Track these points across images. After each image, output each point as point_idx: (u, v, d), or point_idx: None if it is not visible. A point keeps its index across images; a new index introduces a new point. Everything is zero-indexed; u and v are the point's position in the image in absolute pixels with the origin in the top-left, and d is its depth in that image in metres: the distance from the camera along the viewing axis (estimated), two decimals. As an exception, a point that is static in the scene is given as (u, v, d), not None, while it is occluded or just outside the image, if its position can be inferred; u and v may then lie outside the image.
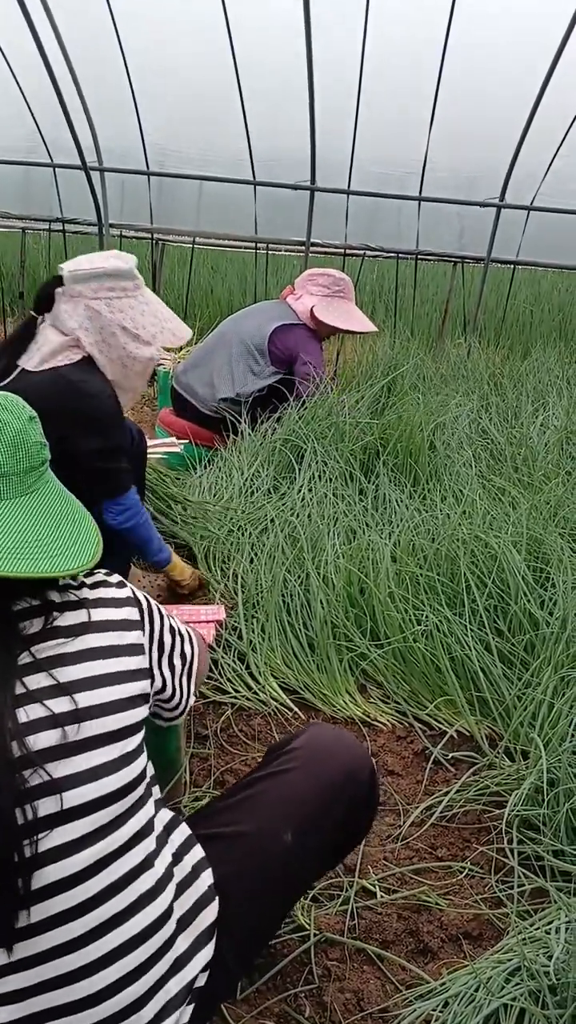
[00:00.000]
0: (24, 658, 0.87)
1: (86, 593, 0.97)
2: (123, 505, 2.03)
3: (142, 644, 1.00)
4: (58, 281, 1.96)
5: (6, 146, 5.17)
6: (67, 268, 1.95)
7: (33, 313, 2.00)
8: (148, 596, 1.08)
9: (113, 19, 4.26)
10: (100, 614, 0.95)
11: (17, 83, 4.76)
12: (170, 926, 0.95)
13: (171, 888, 0.96)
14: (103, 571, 1.03)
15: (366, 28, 4.02)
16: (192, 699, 1.18)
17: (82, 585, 0.98)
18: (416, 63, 4.30)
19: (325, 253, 5.24)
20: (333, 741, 1.21)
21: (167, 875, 0.96)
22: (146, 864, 0.93)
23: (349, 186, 4.81)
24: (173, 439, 3.32)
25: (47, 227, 5.66)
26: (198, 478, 3.00)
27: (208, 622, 2.11)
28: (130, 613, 1.00)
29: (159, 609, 1.09)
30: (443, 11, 3.94)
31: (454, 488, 2.76)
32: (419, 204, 4.87)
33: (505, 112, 4.44)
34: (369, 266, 5.89)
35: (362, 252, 5.18)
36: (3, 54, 4.59)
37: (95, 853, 0.86)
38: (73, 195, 5.33)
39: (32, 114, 4.94)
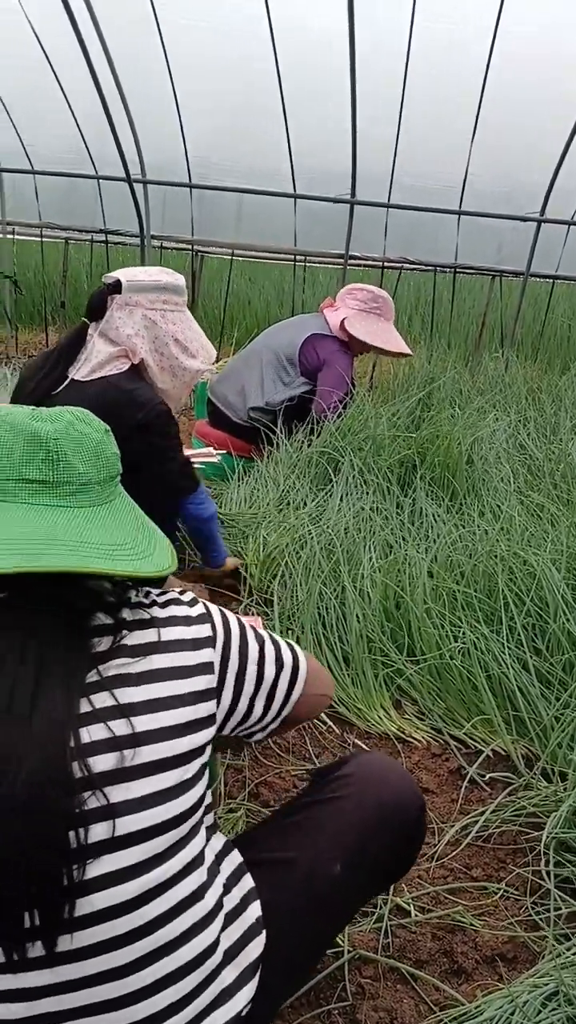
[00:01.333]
0: (91, 676, 0.86)
1: (157, 612, 0.95)
2: (201, 496, 2.14)
3: (212, 663, 0.97)
4: (111, 290, 2.01)
5: (53, 157, 5.26)
6: (124, 277, 2.01)
7: (85, 320, 2.05)
8: (229, 613, 1.05)
9: (159, 31, 4.32)
10: (170, 633, 0.94)
11: (65, 96, 4.84)
12: (217, 957, 0.93)
13: (220, 919, 0.95)
14: (176, 590, 1.03)
15: (410, 43, 4.04)
16: (284, 712, 1.09)
17: (153, 604, 0.97)
18: (458, 77, 4.30)
19: (363, 266, 5.26)
20: (384, 771, 1.19)
21: (217, 906, 0.94)
22: (197, 895, 0.90)
23: (389, 199, 4.82)
24: (210, 449, 3.34)
25: (89, 238, 5.75)
26: (234, 489, 3.02)
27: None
28: (202, 631, 0.97)
29: (242, 626, 1.05)
30: (487, 28, 3.95)
31: (492, 504, 2.74)
32: (459, 218, 4.87)
33: (547, 126, 4.42)
34: (406, 279, 5.89)
35: (400, 265, 5.19)
36: (52, 66, 4.67)
37: (146, 883, 0.84)
38: (115, 206, 5.41)
39: (78, 126, 5.02)
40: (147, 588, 1.02)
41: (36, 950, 0.80)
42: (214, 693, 0.97)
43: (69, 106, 4.88)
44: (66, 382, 2.00)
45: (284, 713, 1.10)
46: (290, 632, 2.21)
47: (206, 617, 1.00)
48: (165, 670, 0.91)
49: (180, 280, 2.10)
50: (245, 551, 2.58)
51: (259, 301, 7.39)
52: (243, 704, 1.03)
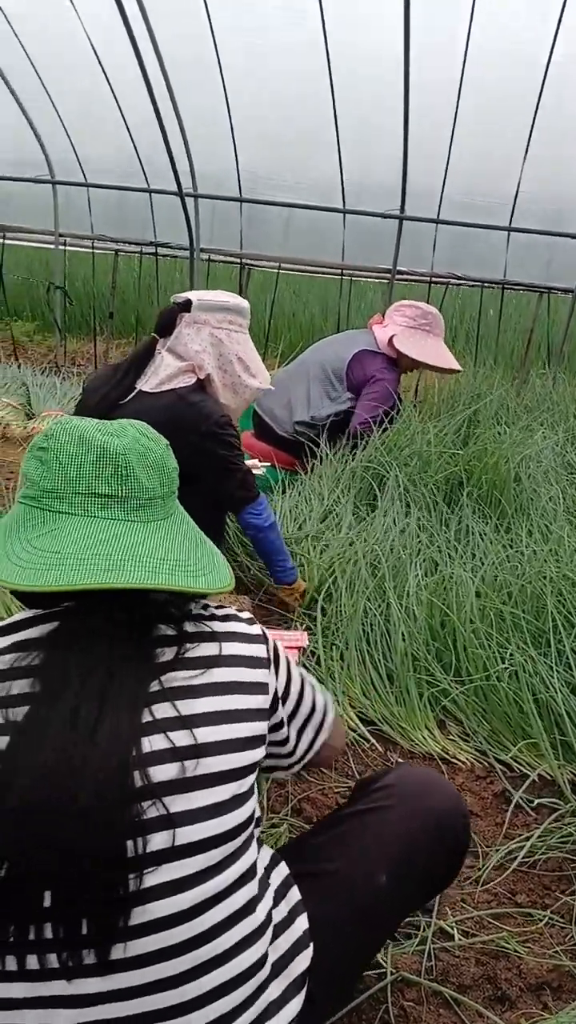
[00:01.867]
0: (154, 686, 0.87)
1: (217, 626, 0.97)
2: (261, 506, 2.19)
3: (267, 684, 0.98)
4: (180, 308, 2.11)
5: (106, 169, 5.35)
6: (194, 297, 2.12)
7: (155, 335, 2.15)
8: (276, 640, 1.07)
9: (215, 44, 4.36)
10: (230, 648, 0.95)
11: (119, 109, 4.91)
12: (265, 970, 0.94)
13: (269, 932, 0.95)
14: (234, 606, 1.04)
15: (465, 59, 4.05)
16: (309, 755, 1.13)
17: (213, 617, 0.98)
18: (512, 94, 4.29)
19: (410, 280, 5.26)
20: (427, 781, 1.19)
21: (267, 919, 0.95)
22: (249, 908, 0.91)
23: (438, 215, 4.82)
24: (255, 462, 3.36)
25: (139, 250, 5.83)
26: (278, 502, 3.03)
27: (290, 648, 2.12)
28: (259, 650, 0.99)
29: (287, 658, 1.07)
30: (543, 44, 3.94)
31: (540, 524, 2.71)
32: (508, 234, 4.85)
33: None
34: (452, 294, 5.87)
35: (447, 280, 5.18)
36: (108, 80, 4.74)
37: (201, 894, 0.85)
38: (165, 218, 5.48)
39: (132, 139, 5.09)
40: (204, 601, 1.03)
41: (90, 957, 0.81)
42: (267, 714, 0.98)
43: (123, 119, 4.97)
44: (134, 393, 2.08)
45: (310, 755, 1.13)
46: (334, 647, 2.21)
47: (262, 639, 1.01)
48: (224, 684, 0.92)
49: (245, 304, 2.20)
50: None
51: (303, 315, 7.42)
52: (284, 732, 1.06)
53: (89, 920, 0.80)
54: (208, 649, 0.93)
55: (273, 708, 1.01)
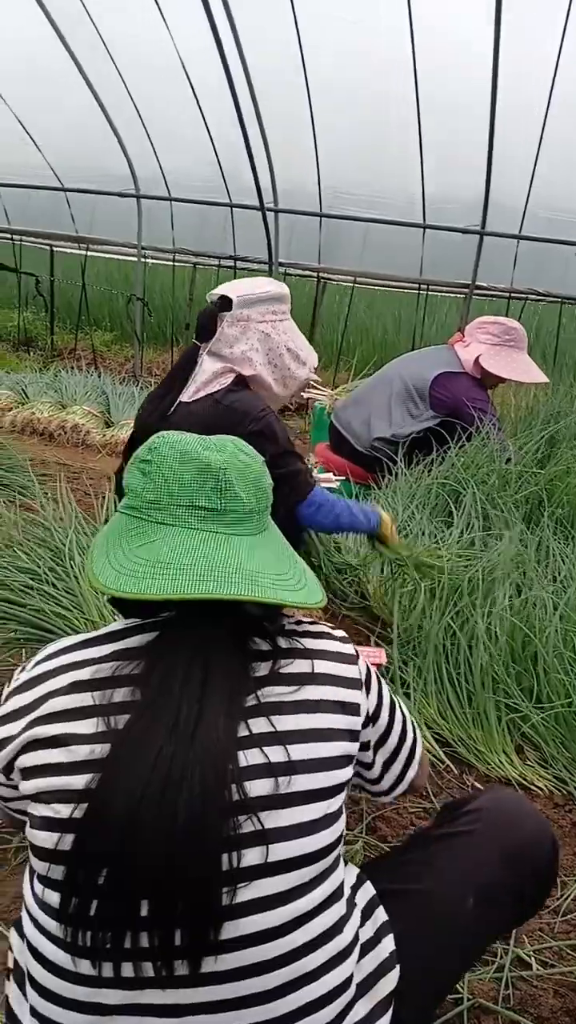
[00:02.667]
0: (250, 700, 0.88)
1: (309, 643, 0.97)
2: (316, 501, 2.03)
3: (359, 704, 0.97)
4: (218, 308, 1.98)
5: (189, 185, 5.47)
6: (233, 294, 1.98)
7: (196, 342, 2.04)
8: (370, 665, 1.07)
9: (303, 63, 4.42)
10: (322, 666, 0.95)
11: (206, 125, 5.02)
12: (351, 990, 0.93)
13: (356, 952, 0.95)
14: (328, 625, 1.05)
15: (555, 74, 4.00)
16: (399, 788, 1.12)
17: (306, 634, 0.99)
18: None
19: (488, 296, 5.21)
20: (517, 808, 1.17)
21: (354, 939, 0.94)
22: (337, 927, 0.91)
23: (520, 230, 4.77)
24: (330, 475, 3.37)
25: (217, 263, 5.93)
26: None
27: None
28: (351, 671, 0.98)
29: (381, 682, 1.07)
30: None
31: (624, 547, 2.65)
32: (592, 251, 4.77)
33: None
34: (530, 310, 5.80)
35: (526, 296, 5.12)
36: (196, 96, 4.84)
37: (291, 912, 0.85)
38: (244, 232, 5.57)
39: (216, 155, 5.20)
40: (298, 616, 1.04)
41: (183, 968, 0.82)
42: (356, 735, 0.97)
43: (209, 134, 5.07)
44: (175, 406, 2.00)
45: (399, 789, 1.12)
46: (412, 664, 2.19)
47: (355, 659, 1.01)
48: (317, 702, 0.93)
49: (284, 288, 2.07)
50: (365, 578, 2.58)
51: (376, 328, 7.42)
52: (369, 756, 1.05)
53: (183, 931, 0.81)
54: (301, 666, 0.94)
55: (364, 728, 1.00)
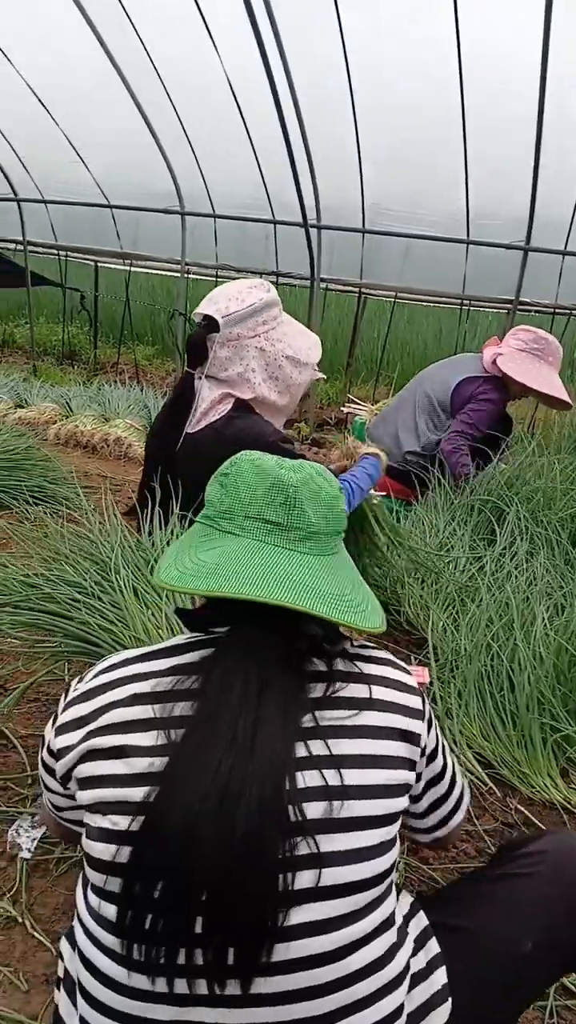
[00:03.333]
0: (307, 721, 0.88)
1: (370, 668, 0.97)
2: None
3: (419, 735, 0.96)
4: (205, 330, 1.90)
5: (234, 202, 5.53)
6: (217, 314, 1.88)
7: (188, 370, 1.95)
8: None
9: (349, 80, 4.44)
10: (381, 692, 0.95)
11: (251, 142, 5.07)
12: (401, 1021, 0.91)
13: (407, 982, 0.93)
14: (387, 652, 1.04)
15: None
16: (440, 831, 1.11)
17: (367, 659, 0.98)
18: None
19: (532, 311, 5.17)
20: None
21: (405, 969, 0.93)
22: (388, 956, 0.89)
23: (566, 247, 4.72)
24: (372, 492, 3.35)
25: (258, 278, 5.97)
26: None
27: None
28: (412, 701, 0.97)
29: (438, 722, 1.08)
30: None
31: None
32: None
33: None
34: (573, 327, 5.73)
35: (571, 311, 5.06)
36: (242, 113, 4.90)
37: (343, 937, 0.84)
38: (287, 248, 5.61)
39: (261, 172, 5.24)
40: (361, 641, 1.03)
41: (233, 987, 0.81)
42: (414, 765, 0.96)
43: (254, 152, 5.11)
44: (182, 439, 1.94)
45: (440, 832, 1.11)
46: (451, 683, 2.16)
47: (417, 691, 1.00)
48: (376, 728, 0.92)
49: (272, 291, 1.95)
50: (403, 595, 2.56)
51: (417, 343, 7.40)
52: (419, 788, 1.03)
53: (235, 949, 0.80)
54: (358, 691, 0.93)
55: (419, 759, 0.98)
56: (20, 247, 6.36)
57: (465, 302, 5.44)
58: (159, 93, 4.92)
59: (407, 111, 4.59)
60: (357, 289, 5.63)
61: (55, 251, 6.57)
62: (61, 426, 4.62)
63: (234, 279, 6.09)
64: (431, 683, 2.16)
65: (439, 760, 1.05)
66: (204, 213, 5.59)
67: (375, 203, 5.16)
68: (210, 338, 1.89)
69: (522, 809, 1.88)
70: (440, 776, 1.07)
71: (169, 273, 6.42)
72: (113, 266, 6.59)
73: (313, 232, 4.98)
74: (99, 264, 6.56)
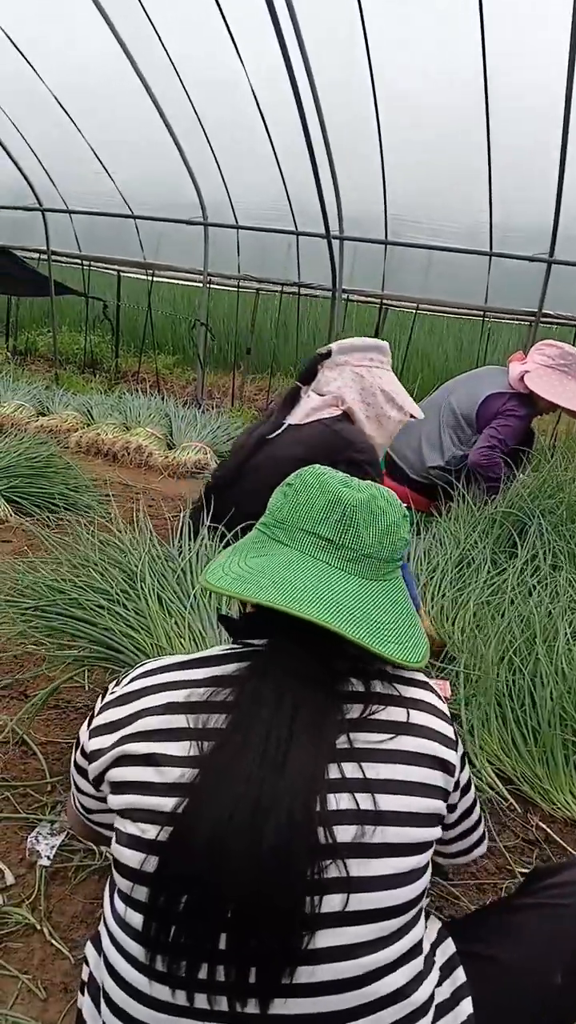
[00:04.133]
0: (341, 742, 0.86)
1: (408, 691, 0.95)
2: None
3: (455, 765, 0.94)
4: (321, 358, 2.23)
5: (257, 213, 5.55)
6: (335, 345, 2.22)
7: (297, 383, 2.26)
8: None
9: (374, 95, 4.46)
10: (418, 717, 0.93)
11: (275, 153, 5.09)
12: None
13: (432, 1012, 0.91)
14: (423, 677, 1.01)
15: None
16: (464, 858, 1.12)
17: (405, 681, 0.96)
18: None
19: (555, 323, 5.15)
20: None
21: (430, 998, 0.91)
22: (414, 984, 0.88)
23: (590, 258, 4.71)
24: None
25: (280, 289, 5.99)
26: (412, 544, 2.99)
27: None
28: (447, 728, 0.96)
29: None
30: None
31: None
32: None
33: None
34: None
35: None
36: (266, 124, 4.92)
37: (368, 964, 0.83)
38: (308, 259, 5.62)
39: (284, 183, 5.26)
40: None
41: (253, 1007, 0.80)
42: (446, 794, 0.94)
43: (278, 163, 5.13)
44: (283, 427, 2.17)
45: (459, 860, 1.12)
46: (473, 698, 2.14)
47: (450, 720, 0.99)
48: (412, 754, 0.90)
49: (385, 343, 2.28)
50: (422, 613, 2.54)
51: (438, 354, 7.39)
52: (454, 817, 1.02)
53: (257, 968, 0.79)
54: (396, 714, 0.92)
55: (454, 789, 0.97)
56: (44, 257, 6.42)
57: (487, 314, 5.42)
58: (184, 105, 4.96)
59: (431, 123, 4.59)
60: (379, 300, 5.63)
61: (78, 261, 6.63)
62: (83, 434, 4.65)
63: (256, 289, 6.14)
64: (453, 697, 2.14)
65: (471, 794, 1.04)
66: (227, 224, 5.62)
67: (397, 214, 5.16)
68: (322, 363, 2.23)
69: (543, 826, 1.86)
70: (470, 811, 1.05)
71: (191, 283, 6.46)
72: (135, 276, 6.64)
73: (336, 244, 4.99)
74: (121, 273, 6.61)
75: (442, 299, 5.44)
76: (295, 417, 2.18)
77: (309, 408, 2.18)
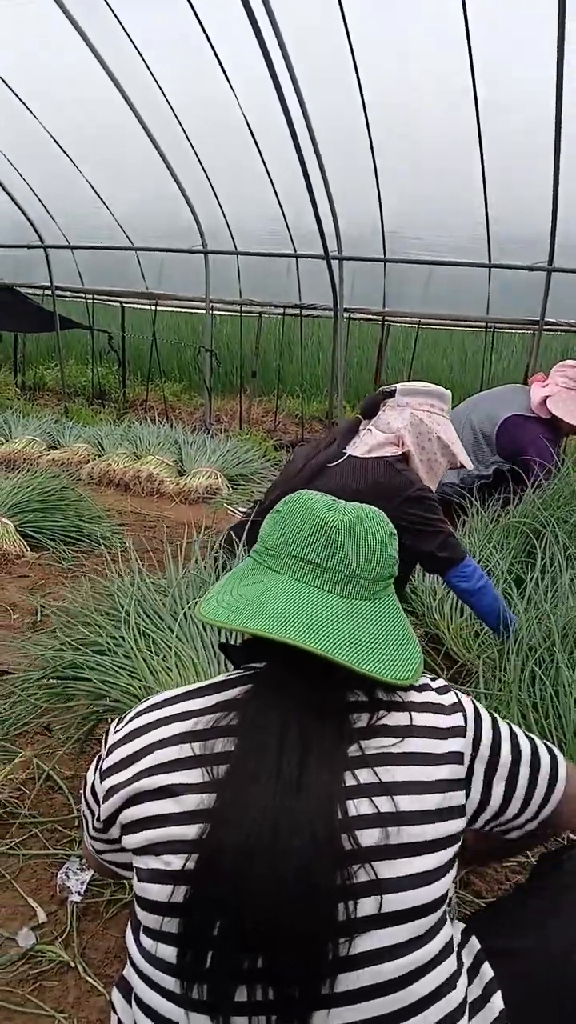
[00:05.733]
0: (354, 751, 0.87)
1: (412, 696, 0.96)
2: (468, 568, 2.18)
3: (461, 752, 0.95)
4: (384, 396, 2.29)
5: (255, 237, 5.61)
6: (399, 385, 2.31)
7: (359, 416, 2.33)
8: (480, 706, 1.02)
9: (365, 113, 4.51)
10: (422, 719, 0.94)
11: (270, 179, 5.15)
12: None
13: (467, 1011, 0.91)
14: (428, 676, 1.03)
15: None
16: (546, 810, 1.01)
17: (408, 687, 0.97)
18: None
19: (558, 330, 5.15)
20: None
21: (465, 997, 0.91)
22: (451, 982, 0.88)
23: (589, 265, 4.72)
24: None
25: (282, 312, 6.04)
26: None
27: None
28: (453, 720, 0.96)
29: (495, 721, 1.01)
30: None
31: None
32: None
33: None
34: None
35: (597, 330, 5.04)
36: (259, 149, 4.97)
37: (409, 963, 0.83)
38: (309, 280, 5.66)
39: (281, 208, 5.32)
40: None
41: (293, 1022, 0.80)
42: (462, 784, 0.95)
43: (273, 187, 5.19)
44: (343, 458, 2.21)
45: (542, 815, 1.02)
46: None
47: (458, 707, 0.99)
48: (418, 755, 0.91)
49: (447, 392, 2.34)
50: (440, 622, 2.53)
51: (443, 367, 7.41)
52: (495, 801, 0.99)
53: (295, 984, 0.79)
54: (400, 718, 0.93)
55: (471, 776, 0.96)
56: (48, 292, 6.50)
57: (490, 325, 5.43)
58: (177, 133, 5.04)
59: (423, 138, 4.64)
60: (380, 317, 5.66)
61: (82, 295, 6.71)
62: (94, 465, 4.69)
63: (257, 312, 6.17)
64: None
65: (505, 752, 0.98)
66: (226, 251, 5.68)
67: (395, 231, 5.20)
68: (384, 402, 2.29)
69: (574, 837, 1.83)
70: (515, 767, 0.99)
71: (194, 310, 6.52)
72: (139, 306, 6.71)
73: (335, 264, 5.02)
74: (125, 304, 6.68)
75: (444, 312, 5.46)
76: (356, 449, 2.22)
77: (373, 443, 2.22)
